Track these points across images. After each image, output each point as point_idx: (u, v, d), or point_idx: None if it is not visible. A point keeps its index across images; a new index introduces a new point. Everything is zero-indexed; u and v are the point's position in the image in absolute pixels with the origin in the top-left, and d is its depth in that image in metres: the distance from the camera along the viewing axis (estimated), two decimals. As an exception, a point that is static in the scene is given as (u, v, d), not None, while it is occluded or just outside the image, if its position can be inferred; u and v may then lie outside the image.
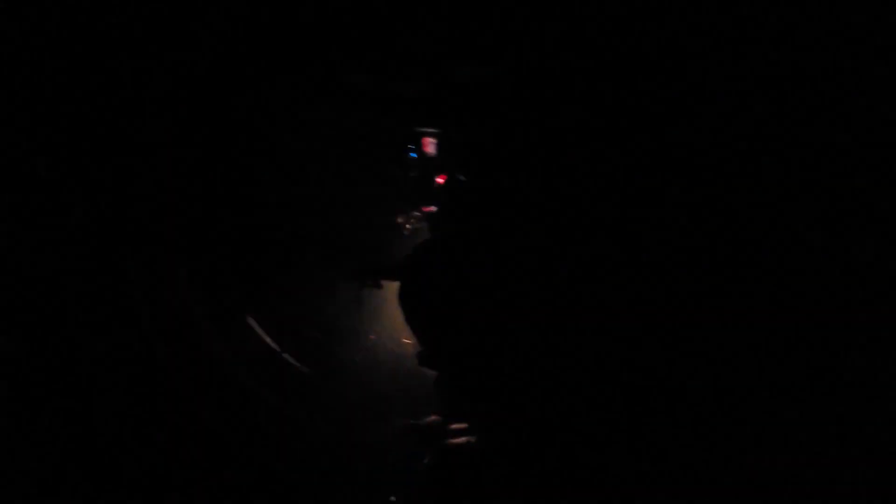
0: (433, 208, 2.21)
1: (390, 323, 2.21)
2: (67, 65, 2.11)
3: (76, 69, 2.10)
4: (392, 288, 2.19)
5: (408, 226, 2.25)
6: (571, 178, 2.09)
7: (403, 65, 2.16)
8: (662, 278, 2.05)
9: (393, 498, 1.98)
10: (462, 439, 2.00)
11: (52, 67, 2.10)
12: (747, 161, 2.05)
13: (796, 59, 2.03)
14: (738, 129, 2.06)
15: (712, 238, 2.05)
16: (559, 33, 2.10)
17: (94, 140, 2.13)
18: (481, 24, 2.13)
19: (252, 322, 2.14)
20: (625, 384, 2.02)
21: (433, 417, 2.04)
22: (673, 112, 2.07)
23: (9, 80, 2.10)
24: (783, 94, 2.05)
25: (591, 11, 2.08)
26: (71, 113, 2.12)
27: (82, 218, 2.09)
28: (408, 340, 2.18)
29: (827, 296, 1.98)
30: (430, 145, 2.20)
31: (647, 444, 1.98)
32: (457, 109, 2.16)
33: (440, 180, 2.21)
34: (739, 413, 1.98)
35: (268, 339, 2.14)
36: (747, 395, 1.98)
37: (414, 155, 2.22)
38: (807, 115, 2.04)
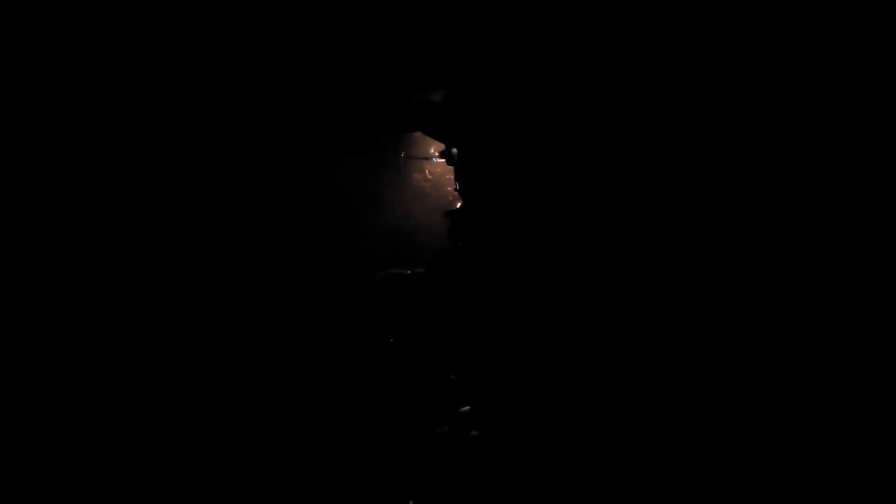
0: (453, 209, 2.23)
1: (409, 322, 2.22)
2: (67, 65, 2.11)
3: (76, 69, 2.10)
4: (411, 290, 2.21)
5: (427, 228, 2.25)
6: (575, 180, 2.09)
7: (404, 65, 2.16)
8: (664, 278, 2.05)
9: (411, 502, 1.99)
10: (477, 439, 2.01)
11: (52, 67, 2.10)
12: (747, 161, 2.05)
13: (796, 59, 2.03)
14: (737, 129, 2.06)
15: (712, 238, 2.05)
16: (559, 33, 2.10)
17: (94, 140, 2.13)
18: (481, 25, 2.13)
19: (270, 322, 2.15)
20: (628, 382, 2.02)
21: (450, 425, 2.06)
22: (673, 112, 2.07)
23: (9, 80, 2.10)
24: (783, 94, 2.04)
25: (591, 11, 2.07)
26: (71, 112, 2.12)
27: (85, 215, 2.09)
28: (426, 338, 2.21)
29: (827, 296, 1.98)
30: (450, 149, 2.21)
31: (650, 443, 1.98)
32: (465, 110, 2.16)
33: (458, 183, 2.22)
34: (740, 413, 1.98)
35: (287, 339, 2.14)
36: (747, 395, 1.98)
37: (435, 159, 2.23)
38: (806, 115, 2.04)
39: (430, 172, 2.25)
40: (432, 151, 2.26)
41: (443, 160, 2.25)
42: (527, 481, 1.98)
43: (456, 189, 2.21)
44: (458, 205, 2.20)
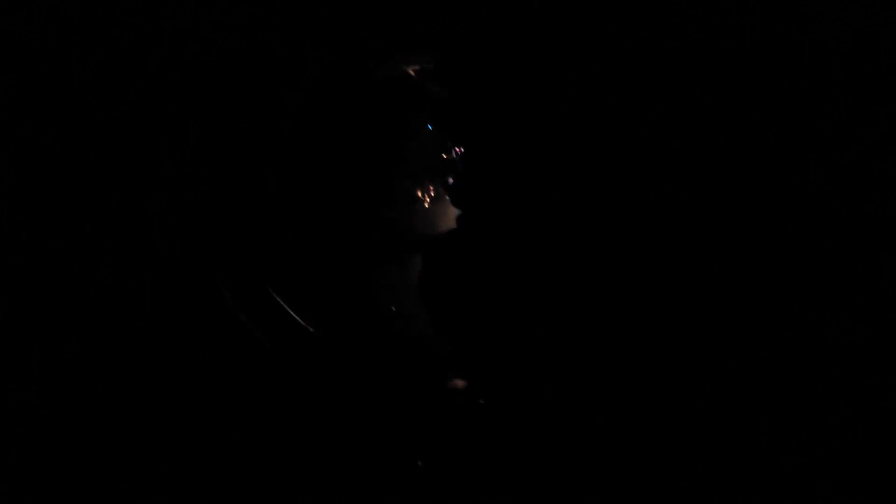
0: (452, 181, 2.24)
1: (411, 294, 2.25)
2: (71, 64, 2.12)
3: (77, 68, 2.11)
4: (411, 261, 2.24)
5: (427, 198, 2.26)
6: (578, 171, 2.10)
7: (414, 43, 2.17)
8: (664, 277, 2.05)
9: (420, 462, 2.00)
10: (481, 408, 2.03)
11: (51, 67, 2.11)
12: (747, 161, 2.06)
13: (794, 59, 2.03)
14: (737, 129, 2.06)
15: (713, 237, 2.05)
16: (559, 32, 2.11)
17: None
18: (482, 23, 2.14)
19: (273, 293, 2.17)
20: (634, 378, 2.02)
21: (458, 382, 2.07)
22: (672, 112, 2.08)
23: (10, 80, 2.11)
24: (783, 93, 2.05)
25: (590, 11, 2.08)
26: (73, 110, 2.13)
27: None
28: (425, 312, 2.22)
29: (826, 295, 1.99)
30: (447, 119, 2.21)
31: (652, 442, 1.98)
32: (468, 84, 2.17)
33: (457, 152, 2.22)
34: (740, 413, 1.98)
35: (289, 310, 2.16)
36: (747, 395, 1.99)
37: (430, 126, 2.23)
38: (807, 114, 2.04)
39: (445, 142, 2.26)
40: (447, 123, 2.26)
41: (456, 131, 2.24)
42: (525, 480, 1.99)
43: (452, 156, 2.22)
44: (450, 181, 2.21)
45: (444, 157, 2.24)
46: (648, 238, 2.05)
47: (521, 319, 2.06)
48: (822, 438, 1.92)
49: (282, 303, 2.13)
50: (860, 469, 1.89)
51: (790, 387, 1.96)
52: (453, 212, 2.21)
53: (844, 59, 1.99)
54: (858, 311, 1.95)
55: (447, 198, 2.23)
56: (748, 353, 1.98)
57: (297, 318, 2.12)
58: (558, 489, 1.98)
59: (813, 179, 2.01)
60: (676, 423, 1.98)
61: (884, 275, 1.94)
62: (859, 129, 1.99)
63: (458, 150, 2.23)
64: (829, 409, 1.93)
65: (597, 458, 1.98)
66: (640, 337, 2.02)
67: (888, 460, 1.88)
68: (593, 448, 1.99)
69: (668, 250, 2.04)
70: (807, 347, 1.96)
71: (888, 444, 1.88)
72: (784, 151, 2.03)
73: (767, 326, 1.99)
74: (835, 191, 2.00)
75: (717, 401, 1.98)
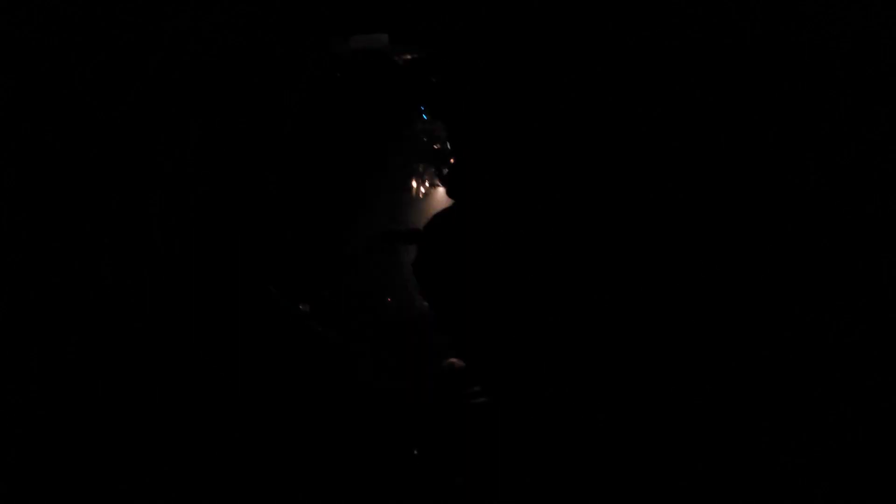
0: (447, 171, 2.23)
1: (407, 285, 2.25)
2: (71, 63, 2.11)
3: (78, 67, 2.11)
4: (407, 251, 2.24)
5: (422, 188, 2.26)
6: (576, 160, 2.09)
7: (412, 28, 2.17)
8: (665, 276, 2.04)
9: (415, 451, 2.00)
10: (478, 399, 2.02)
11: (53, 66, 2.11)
12: (747, 161, 2.05)
13: (794, 58, 2.03)
14: (736, 129, 2.06)
15: (712, 237, 2.05)
16: (559, 31, 2.10)
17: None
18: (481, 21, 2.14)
19: (271, 287, 2.17)
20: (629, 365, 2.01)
21: (452, 360, 2.07)
22: (671, 111, 2.07)
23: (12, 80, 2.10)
24: (782, 93, 2.04)
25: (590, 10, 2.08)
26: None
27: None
28: (423, 303, 2.23)
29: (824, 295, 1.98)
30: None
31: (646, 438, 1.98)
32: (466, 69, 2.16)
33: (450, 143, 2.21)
34: (740, 413, 1.98)
35: (285, 303, 2.16)
36: (747, 395, 1.98)
37: (426, 116, 2.22)
38: (807, 113, 2.03)
39: (440, 132, 2.25)
40: (422, 108, 2.26)
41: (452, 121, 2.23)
42: (525, 479, 1.98)
43: (447, 146, 2.21)
44: (451, 160, 2.20)
45: (439, 147, 2.24)
46: (648, 237, 2.05)
47: (518, 311, 2.05)
48: (822, 438, 1.91)
49: (283, 300, 2.13)
50: (860, 469, 1.88)
51: (790, 387, 1.96)
52: (448, 202, 2.21)
53: (844, 59, 1.99)
54: (858, 311, 1.94)
55: (443, 188, 2.23)
56: (748, 353, 1.98)
57: (298, 314, 2.13)
58: (558, 489, 1.97)
59: (813, 179, 2.00)
60: (676, 423, 1.98)
61: (884, 275, 1.94)
62: (859, 129, 1.99)
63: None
64: (829, 409, 1.92)
65: (597, 458, 1.98)
66: (640, 337, 2.02)
67: (888, 460, 1.87)
68: (593, 448, 1.98)
69: (667, 250, 2.04)
70: (807, 347, 1.96)
71: (888, 444, 1.88)
72: (784, 151, 2.02)
73: (767, 326, 1.98)
74: (835, 191, 1.99)
75: (718, 401, 1.97)
